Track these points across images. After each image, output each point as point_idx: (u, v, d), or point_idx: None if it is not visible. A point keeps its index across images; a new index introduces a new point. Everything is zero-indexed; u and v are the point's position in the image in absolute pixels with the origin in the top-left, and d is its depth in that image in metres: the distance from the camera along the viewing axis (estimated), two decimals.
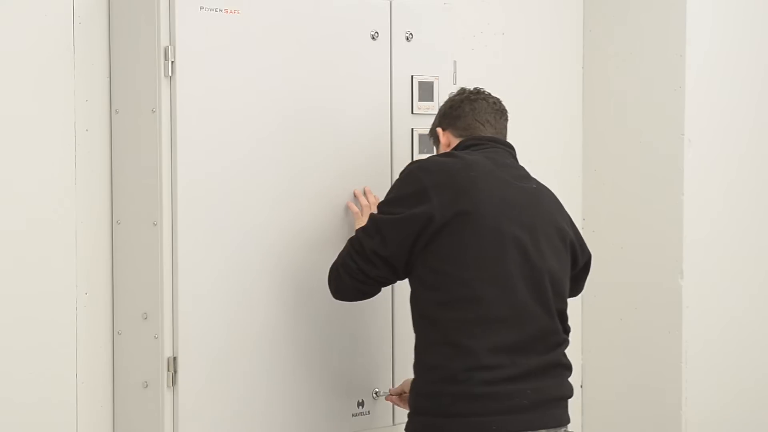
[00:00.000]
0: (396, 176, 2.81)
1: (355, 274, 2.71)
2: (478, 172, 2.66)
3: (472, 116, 2.82)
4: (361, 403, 3.05)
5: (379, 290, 2.80)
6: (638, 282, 3.80)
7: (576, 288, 2.92)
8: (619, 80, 3.85)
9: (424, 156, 2.98)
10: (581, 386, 3.92)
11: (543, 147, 3.80)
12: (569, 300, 2.85)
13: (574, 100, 3.92)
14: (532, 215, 2.69)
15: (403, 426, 2.75)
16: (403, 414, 2.89)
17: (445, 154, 2.79)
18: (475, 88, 2.89)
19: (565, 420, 2.70)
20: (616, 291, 3.86)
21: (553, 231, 2.73)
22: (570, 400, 2.74)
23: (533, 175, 2.82)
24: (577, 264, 2.84)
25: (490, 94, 2.88)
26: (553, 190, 2.83)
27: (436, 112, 3.01)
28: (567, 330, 2.77)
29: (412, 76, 3.13)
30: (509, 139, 2.90)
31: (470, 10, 3.60)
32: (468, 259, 2.61)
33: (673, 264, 3.69)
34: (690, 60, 3.66)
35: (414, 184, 2.67)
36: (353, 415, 3.04)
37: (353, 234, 2.80)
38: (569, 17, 3.89)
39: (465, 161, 2.68)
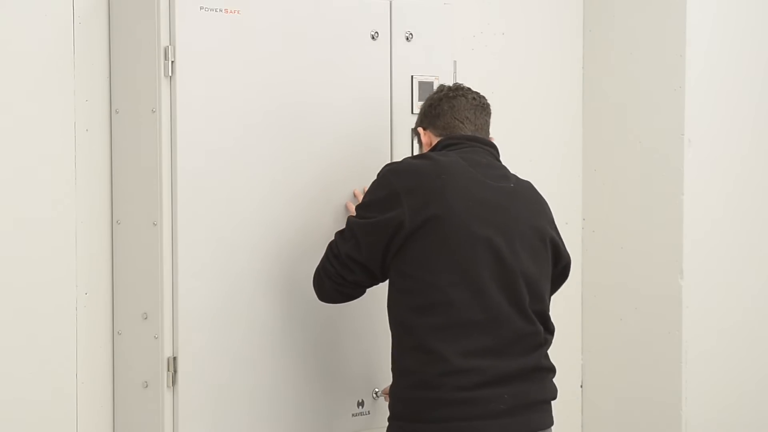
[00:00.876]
0: None
1: (334, 278, 2.71)
2: (450, 174, 2.63)
3: (450, 114, 2.79)
4: (361, 403, 3.05)
5: (362, 292, 2.79)
6: (638, 282, 3.80)
7: (557, 286, 2.86)
8: (619, 80, 3.84)
9: None
10: (581, 386, 3.92)
11: (543, 147, 3.80)
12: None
13: (574, 100, 3.91)
14: (506, 216, 2.65)
15: None
16: None
17: (419, 156, 2.76)
18: (455, 84, 2.85)
19: (547, 423, 2.67)
20: (616, 291, 3.86)
21: (530, 231, 2.68)
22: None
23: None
24: (559, 264, 2.79)
25: (470, 90, 2.83)
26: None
27: None
28: (550, 330, 2.73)
29: (412, 76, 3.13)
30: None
31: (470, 10, 3.60)
32: (439, 264, 2.59)
33: (673, 264, 3.69)
34: (690, 60, 3.65)
35: (386, 188, 2.65)
36: (353, 415, 3.04)
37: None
38: (569, 17, 3.89)
39: (438, 164, 2.65)
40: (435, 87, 3.12)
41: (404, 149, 3.10)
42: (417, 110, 3.11)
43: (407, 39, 3.11)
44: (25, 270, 2.73)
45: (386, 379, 3.07)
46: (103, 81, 2.83)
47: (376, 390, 3.06)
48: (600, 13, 3.88)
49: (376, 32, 3.05)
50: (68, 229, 2.79)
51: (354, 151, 3.01)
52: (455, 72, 3.23)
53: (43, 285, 2.76)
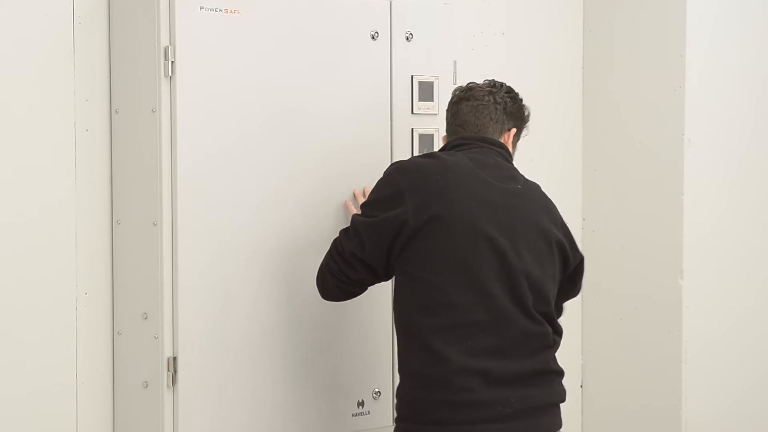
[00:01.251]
0: None
1: (337, 275, 2.71)
2: (455, 174, 2.62)
3: (453, 121, 2.80)
4: (361, 403, 3.05)
5: (364, 290, 2.78)
6: (638, 282, 3.80)
7: (573, 289, 2.84)
8: (618, 80, 3.85)
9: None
10: (581, 386, 3.92)
11: (543, 147, 3.80)
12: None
13: (574, 100, 3.92)
14: (512, 217, 2.63)
15: None
16: None
17: (426, 155, 2.76)
18: (468, 85, 2.83)
19: (555, 426, 2.65)
20: (616, 291, 3.86)
21: (536, 233, 2.66)
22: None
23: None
24: (568, 266, 2.76)
25: (478, 90, 2.79)
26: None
27: (435, 112, 3.06)
28: (558, 332, 2.70)
29: (412, 76, 3.13)
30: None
31: (470, 10, 3.60)
32: (442, 264, 2.58)
33: (673, 264, 3.69)
34: (690, 60, 3.66)
35: (391, 187, 2.64)
36: (353, 415, 3.04)
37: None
38: (569, 17, 3.89)
39: (444, 163, 2.64)
40: (435, 87, 3.13)
41: (404, 149, 3.10)
42: (417, 110, 3.12)
43: (407, 39, 3.11)
44: (25, 270, 2.73)
45: (386, 379, 3.08)
46: (103, 81, 2.83)
47: (376, 390, 3.06)
48: (600, 13, 3.88)
49: (376, 32, 3.05)
50: (68, 229, 2.79)
51: (354, 151, 3.01)
52: (455, 72, 3.23)
53: (43, 285, 2.76)
